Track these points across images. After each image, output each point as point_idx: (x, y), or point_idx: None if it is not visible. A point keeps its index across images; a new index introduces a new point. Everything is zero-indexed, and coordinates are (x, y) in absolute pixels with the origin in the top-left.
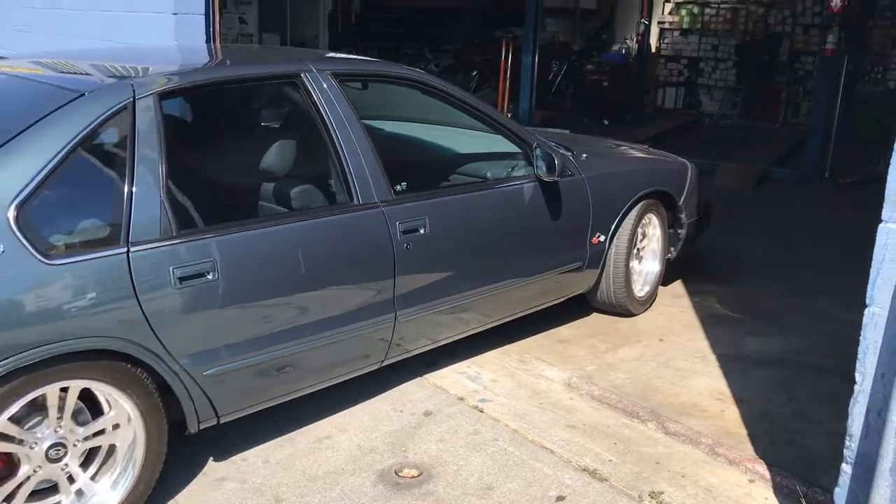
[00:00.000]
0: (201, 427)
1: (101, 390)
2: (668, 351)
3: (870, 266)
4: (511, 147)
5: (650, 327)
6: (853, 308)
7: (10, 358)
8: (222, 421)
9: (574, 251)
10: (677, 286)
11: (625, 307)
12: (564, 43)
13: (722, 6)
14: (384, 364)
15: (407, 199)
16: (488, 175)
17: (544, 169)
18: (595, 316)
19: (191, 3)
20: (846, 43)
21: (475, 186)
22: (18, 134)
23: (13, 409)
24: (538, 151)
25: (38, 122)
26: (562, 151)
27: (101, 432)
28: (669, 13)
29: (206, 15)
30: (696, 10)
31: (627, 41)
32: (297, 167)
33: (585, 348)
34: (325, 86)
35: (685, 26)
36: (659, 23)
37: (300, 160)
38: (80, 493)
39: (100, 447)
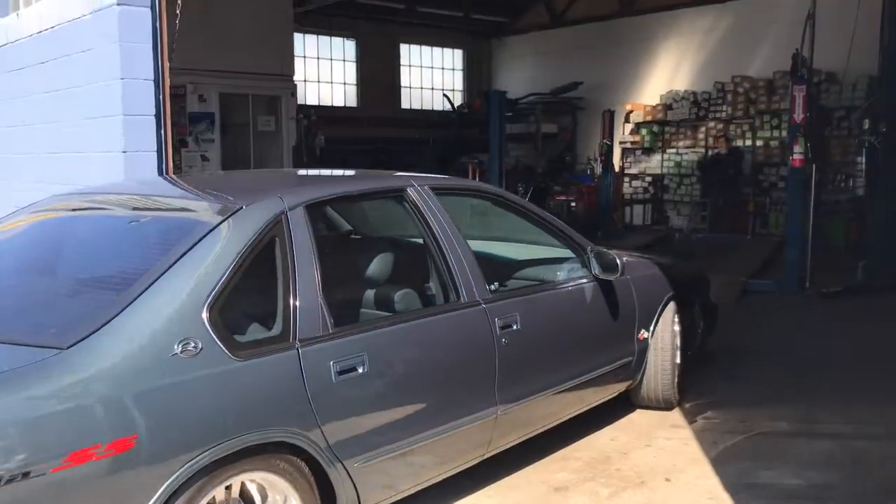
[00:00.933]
0: None
1: (270, 483)
2: (676, 494)
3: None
4: (569, 251)
5: (653, 464)
6: (867, 435)
7: (206, 451)
8: None
9: (626, 346)
10: (675, 414)
11: (669, 400)
12: (528, 166)
13: (681, 124)
14: (485, 458)
15: (501, 297)
16: (559, 275)
17: (600, 269)
18: (588, 448)
19: (141, 140)
20: (812, 153)
21: (551, 286)
22: (194, 245)
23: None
24: (594, 252)
25: (209, 233)
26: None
27: None
28: (630, 133)
29: (159, 152)
30: (655, 128)
31: (591, 161)
32: (411, 270)
33: (586, 495)
34: (426, 197)
35: (647, 145)
36: (621, 142)
37: (413, 264)
38: None
39: None
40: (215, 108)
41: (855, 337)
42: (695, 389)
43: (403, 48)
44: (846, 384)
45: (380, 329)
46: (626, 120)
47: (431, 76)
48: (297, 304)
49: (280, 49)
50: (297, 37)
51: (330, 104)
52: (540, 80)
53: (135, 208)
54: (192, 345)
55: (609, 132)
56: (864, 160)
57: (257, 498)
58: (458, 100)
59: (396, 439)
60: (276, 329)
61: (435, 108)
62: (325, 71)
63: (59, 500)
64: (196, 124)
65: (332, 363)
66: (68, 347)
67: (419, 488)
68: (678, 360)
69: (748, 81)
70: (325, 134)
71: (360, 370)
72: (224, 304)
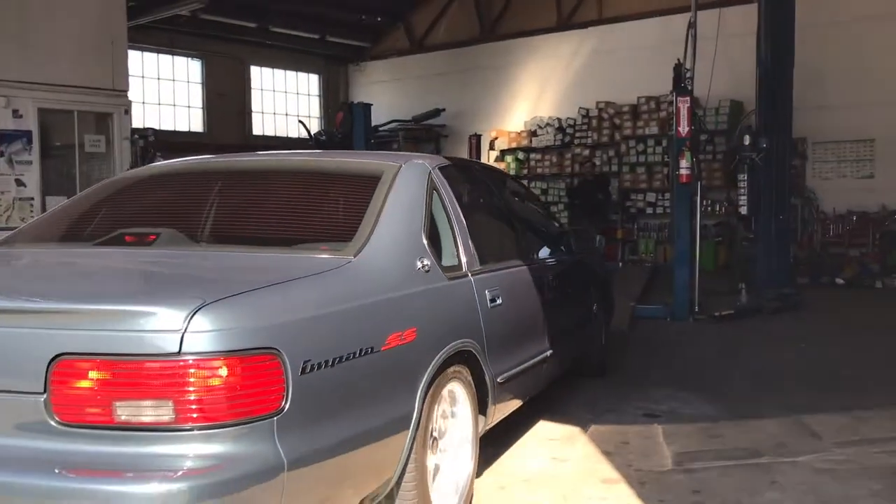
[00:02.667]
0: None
1: (454, 392)
2: None
3: None
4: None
5: None
6: None
7: (445, 349)
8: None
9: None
10: (602, 466)
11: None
12: None
13: (547, 151)
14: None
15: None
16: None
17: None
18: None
19: None
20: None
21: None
22: (391, 188)
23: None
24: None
25: (397, 179)
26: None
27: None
28: (495, 160)
29: None
30: (521, 155)
31: None
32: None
33: None
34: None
35: (512, 172)
36: None
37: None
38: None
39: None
40: (33, 126)
41: (774, 358)
42: (613, 438)
43: (255, 70)
44: (806, 404)
45: (504, 270)
46: (491, 147)
47: (286, 101)
48: (460, 241)
49: (111, 61)
50: (136, 54)
51: (173, 129)
52: (401, 107)
53: (306, 169)
54: (425, 263)
55: (476, 158)
56: (745, 178)
57: (447, 407)
58: (314, 127)
59: (518, 363)
60: (453, 260)
61: (290, 136)
62: (167, 93)
63: (385, 367)
64: (9, 144)
65: (486, 292)
66: (355, 256)
67: (511, 411)
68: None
69: (612, 107)
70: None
71: (499, 301)
72: (428, 235)
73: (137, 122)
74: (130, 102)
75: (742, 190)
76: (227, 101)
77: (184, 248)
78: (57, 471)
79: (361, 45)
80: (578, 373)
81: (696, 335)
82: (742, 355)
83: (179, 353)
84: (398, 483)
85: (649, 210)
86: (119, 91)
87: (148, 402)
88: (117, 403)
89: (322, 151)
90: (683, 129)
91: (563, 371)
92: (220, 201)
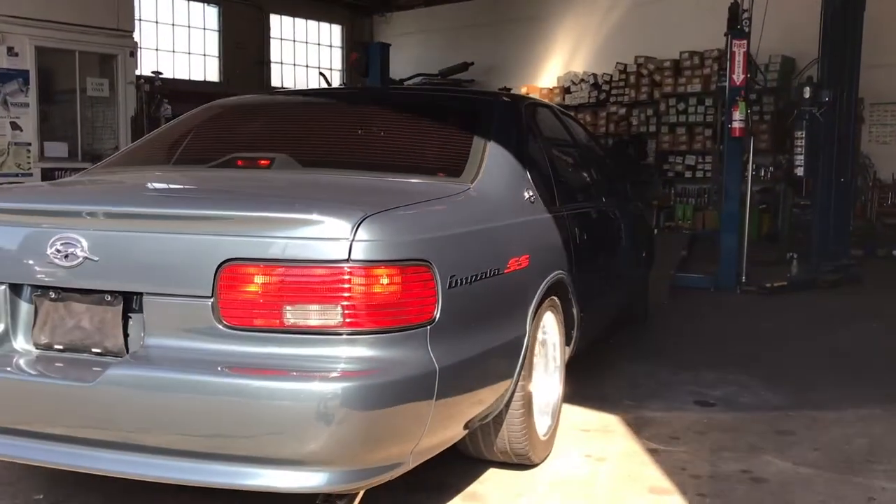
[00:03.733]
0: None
1: (547, 320)
2: None
3: None
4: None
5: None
6: None
7: (549, 276)
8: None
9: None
10: (649, 469)
11: None
12: None
13: (581, 109)
14: None
15: None
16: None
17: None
18: None
19: None
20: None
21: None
22: (492, 123)
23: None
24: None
25: (495, 113)
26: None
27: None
28: None
29: None
30: None
31: None
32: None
33: None
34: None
35: None
36: None
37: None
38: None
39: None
40: (30, 65)
41: (841, 337)
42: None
43: (274, 19)
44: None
45: (589, 210)
46: None
47: (306, 52)
48: (553, 177)
49: None
50: None
51: (187, 77)
52: (427, 61)
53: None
54: (531, 195)
55: None
56: (803, 135)
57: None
58: (336, 80)
59: (596, 296)
60: (548, 195)
61: (310, 88)
62: (182, 40)
63: (506, 290)
64: (4, 84)
65: (575, 228)
66: (472, 184)
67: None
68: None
69: (652, 62)
70: (181, 110)
71: (585, 237)
72: (529, 166)
73: (150, 69)
74: (136, 44)
75: (798, 149)
76: (244, 51)
77: (309, 171)
78: (221, 369)
79: None
80: (625, 320)
81: (745, 309)
82: (803, 333)
83: (348, 259)
84: (508, 403)
85: (688, 174)
86: (124, 31)
87: (315, 307)
88: (287, 307)
89: (417, 87)
90: (738, 76)
91: (620, 312)
92: (325, 131)
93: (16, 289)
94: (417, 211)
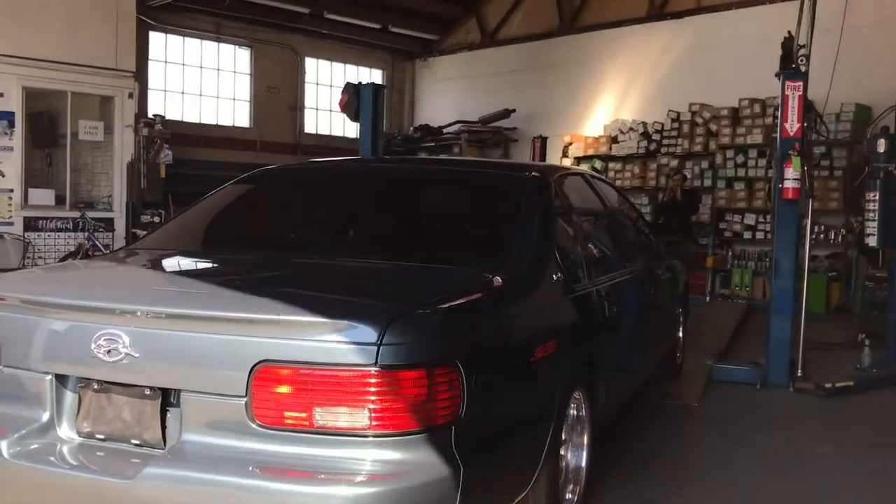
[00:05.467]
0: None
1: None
2: None
3: None
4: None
5: None
6: None
7: (573, 362)
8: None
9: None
10: None
11: None
12: None
13: (629, 160)
14: None
15: None
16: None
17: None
18: None
19: None
20: (809, 182)
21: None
22: (527, 202)
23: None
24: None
25: (529, 193)
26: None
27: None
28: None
29: None
30: (598, 164)
31: None
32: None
33: None
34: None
35: None
36: None
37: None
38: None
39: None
40: (16, 107)
41: None
42: None
43: (310, 63)
44: None
45: (619, 280)
46: (564, 154)
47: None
48: (581, 252)
49: (114, 37)
50: (177, 39)
51: (215, 122)
52: (468, 107)
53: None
54: (558, 276)
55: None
56: (876, 196)
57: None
58: None
59: (627, 364)
60: (576, 272)
61: (347, 135)
62: (210, 83)
63: (532, 379)
64: None
65: (605, 302)
66: (503, 271)
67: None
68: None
69: (708, 110)
70: (204, 156)
71: (614, 310)
72: (560, 248)
73: (175, 114)
74: (136, 85)
75: (871, 213)
76: (277, 95)
77: (345, 257)
78: (253, 469)
79: (429, 37)
80: (660, 375)
81: (799, 417)
82: (875, 470)
83: (375, 363)
84: (536, 483)
85: (747, 234)
86: (123, 71)
87: (343, 409)
88: (316, 409)
89: (448, 159)
90: (792, 125)
91: (653, 370)
92: (364, 211)
93: (62, 379)
94: (445, 309)
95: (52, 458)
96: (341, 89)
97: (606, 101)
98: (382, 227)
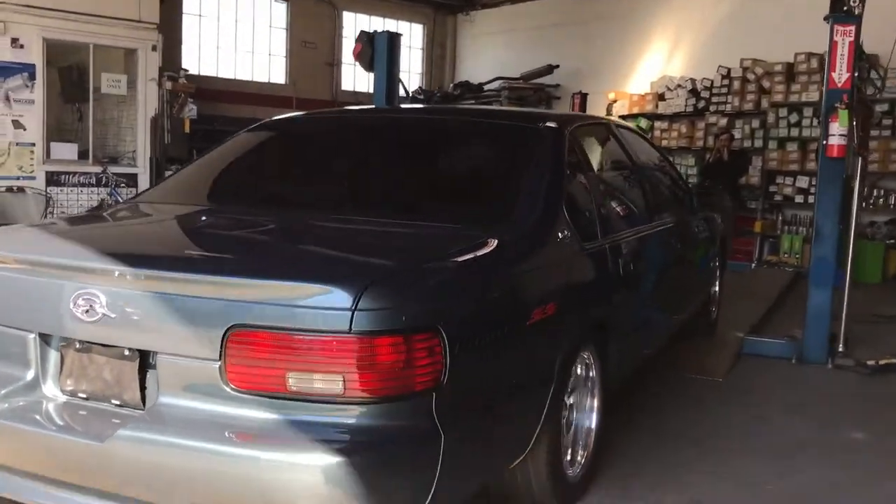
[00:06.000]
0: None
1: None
2: None
3: None
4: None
5: None
6: None
7: (577, 324)
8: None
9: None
10: None
11: None
12: None
13: (675, 119)
14: None
15: None
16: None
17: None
18: None
19: None
20: (858, 140)
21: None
22: (531, 158)
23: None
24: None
25: (539, 142)
26: None
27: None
28: None
29: None
30: (644, 123)
31: None
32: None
33: None
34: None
35: None
36: None
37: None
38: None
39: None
40: (38, 59)
41: None
42: None
43: (348, 17)
44: None
45: (640, 236)
46: (608, 112)
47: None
48: (595, 207)
49: None
50: None
51: (250, 78)
52: (511, 63)
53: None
54: (565, 234)
55: None
56: None
57: (578, 374)
58: (415, 83)
59: (645, 324)
60: (588, 228)
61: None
62: (245, 38)
63: (529, 343)
64: (6, 78)
65: (619, 260)
66: (502, 231)
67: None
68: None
69: (761, 66)
70: (239, 113)
71: (631, 268)
72: (568, 200)
73: (209, 69)
74: (160, 38)
75: None
76: (314, 51)
77: (336, 214)
78: (228, 435)
79: None
80: (693, 330)
81: (834, 397)
82: None
83: (349, 330)
84: (534, 448)
85: (799, 198)
86: (147, 24)
87: (318, 376)
88: (289, 374)
89: (453, 108)
90: (840, 75)
91: (680, 328)
92: (362, 165)
93: (45, 338)
94: (427, 272)
95: (35, 417)
96: (356, 39)
97: (653, 56)
98: (379, 183)
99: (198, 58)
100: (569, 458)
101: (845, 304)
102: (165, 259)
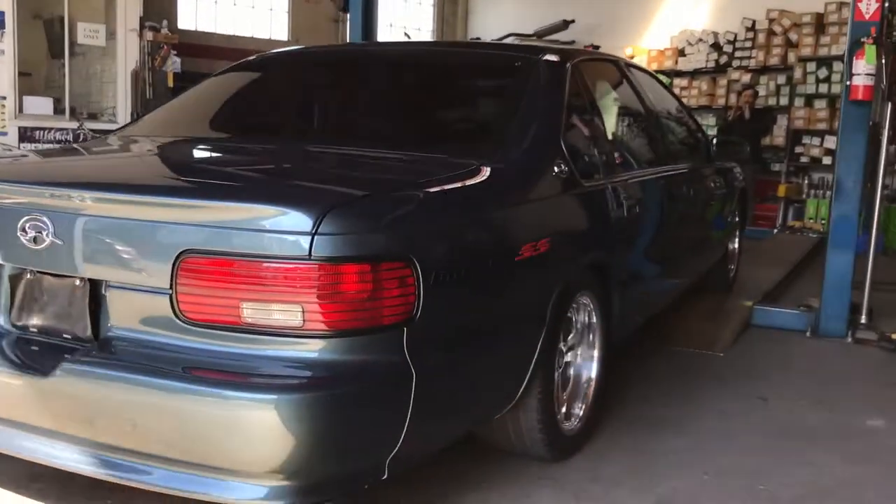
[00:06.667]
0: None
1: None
2: None
3: None
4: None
5: None
6: None
7: (572, 265)
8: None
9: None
10: None
11: None
12: None
13: (696, 76)
14: None
15: None
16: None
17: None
18: None
19: None
20: (889, 81)
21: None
22: (526, 88)
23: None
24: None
25: (531, 76)
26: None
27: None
28: None
29: None
30: (663, 80)
31: None
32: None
33: None
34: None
35: None
36: None
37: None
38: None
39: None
40: (7, 6)
41: None
42: None
43: None
44: None
45: (646, 178)
46: None
47: (392, 8)
48: (599, 144)
49: None
50: None
51: (250, 35)
52: (524, 17)
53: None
54: (563, 168)
55: None
56: None
57: (576, 319)
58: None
59: (651, 275)
60: (590, 165)
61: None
62: None
63: (517, 280)
64: None
65: (624, 201)
66: (491, 159)
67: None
68: None
69: (788, 17)
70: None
71: (636, 211)
72: (566, 136)
73: (207, 26)
74: None
75: None
76: (318, 6)
77: (311, 143)
78: (180, 369)
79: None
80: (708, 286)
81: (851, 375)
82: None
83: (309, 256)
84: (524, 397)
85: (827, 160)
86: None
87: (275, 306)
88: (244, 304)
89: (450, 42)
90: (868, 7)
91: (696, 281)
92: (344, 94)
93: None
94: (400, 197)
95: None
96: None
97: (674, 9)
98: (365, 113)
99: (195, 12)
100: (564, 409)
101: (869, 270)
102: (114, 181)
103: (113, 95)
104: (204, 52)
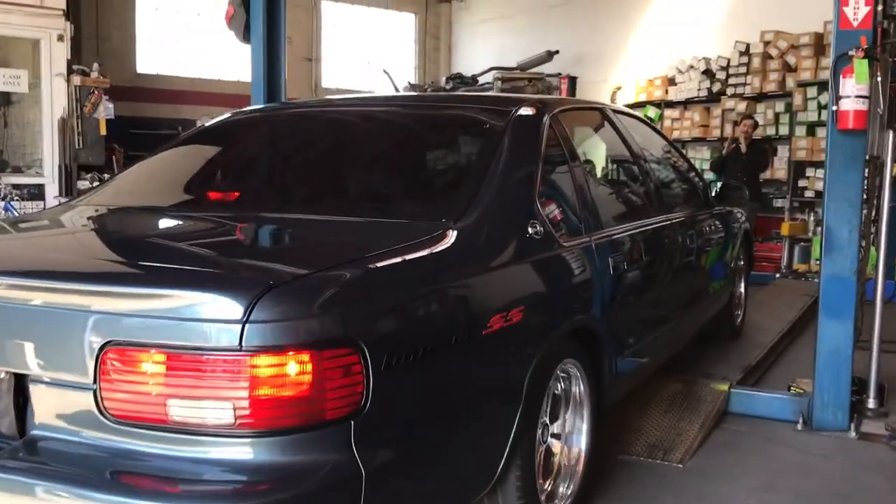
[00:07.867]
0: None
1: (569, 370)
2: None
3: None
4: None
5: None
6: None
7: (558, 328)
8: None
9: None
10: None
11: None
12: None
13: (688, 106)
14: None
15: None
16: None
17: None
18: None
19: None
20: (889, 106)
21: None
22: (498, 145)
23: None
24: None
25: (505, 131)
26: None
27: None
28: None
29: None
30: (651, 111)
31: None
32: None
33: None
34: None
35: None
36: None
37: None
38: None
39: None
40: None
41: None
42: None
43: (327, 7)
44: None
45: (636, 231)
46: (612, 101)
47: (370, 46)
48: (580, 199)
49: None
50: None
51: (217, 78)
52: (509, 50)
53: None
54: (537, 229)
55: None
56: None
57: (560, 389)
58: (406, 78)
59: (645, 334)
60: (571, 223)
61: (369, 90)
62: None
63: (486, 355)
64: None
65: (610, 258)
66: (456, 223)
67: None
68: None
69: (785, 38)
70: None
71: (624, 268)
72: (543, 195)
73: (176, 70)
74: (69, 26)
75: None
76: (289, 46)
77: (257, 211)
78: (104, 475)
79: None
80: (713, 334)
81: (852, 498)
82: None
83: (240, 347)
84: (502, 480)
85: None
86: (50, 9)
87: (204, 402)
88: (170, 401)
89: (417, 95)
90: (856, 11)
91: (697, 332)
92: (299, 156)
93: None
94: (343, 276)
95: None
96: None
97: (662, 36)
98: (322, 177)
99: (157, 57)
100: (549, 488)
101: (877, 327)
102: (32, 267)
103: (29, 145)
104: (175, 97)
